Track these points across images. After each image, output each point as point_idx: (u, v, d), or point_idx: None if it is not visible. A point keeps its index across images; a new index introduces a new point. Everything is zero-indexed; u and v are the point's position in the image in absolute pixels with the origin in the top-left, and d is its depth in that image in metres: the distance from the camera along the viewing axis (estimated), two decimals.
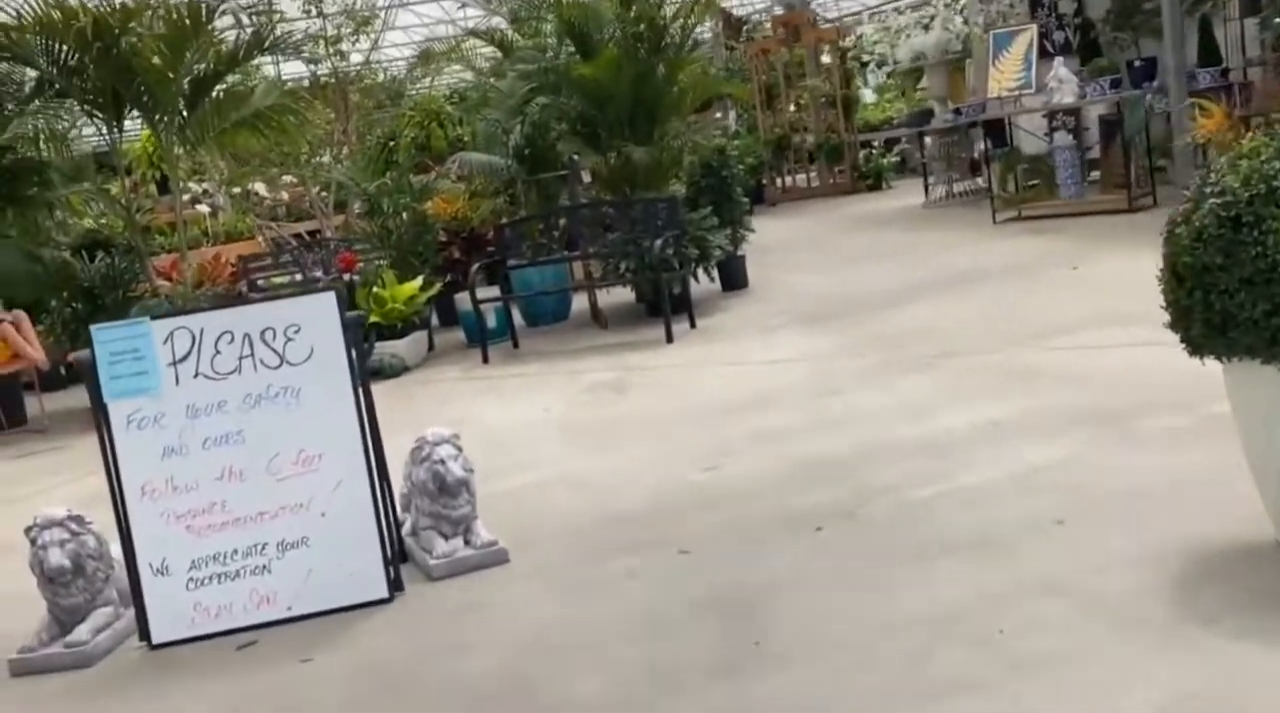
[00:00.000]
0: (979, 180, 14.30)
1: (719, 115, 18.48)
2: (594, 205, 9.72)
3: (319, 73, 13.16)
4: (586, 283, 9.65)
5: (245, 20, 9.08)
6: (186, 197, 18.64)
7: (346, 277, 9.22)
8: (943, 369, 6.67)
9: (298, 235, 13.69)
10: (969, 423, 5.49)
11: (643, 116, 10.15)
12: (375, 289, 9.22)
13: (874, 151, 18.06)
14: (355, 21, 12.88)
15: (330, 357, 4.25)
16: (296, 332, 4.24)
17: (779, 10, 20.22)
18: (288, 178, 21.87)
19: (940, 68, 13.93)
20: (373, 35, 12.96)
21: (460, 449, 4.56)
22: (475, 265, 9.15)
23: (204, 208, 16.96)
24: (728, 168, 10.31)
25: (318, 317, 4.25)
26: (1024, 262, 9.64)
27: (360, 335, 4.30)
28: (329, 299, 4.30)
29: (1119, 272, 8.65)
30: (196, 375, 4.20)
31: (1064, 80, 11.09)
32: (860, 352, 7.35)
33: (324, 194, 13.85)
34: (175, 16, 8.82)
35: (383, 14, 13.66)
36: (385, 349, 9.10)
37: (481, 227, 10.87)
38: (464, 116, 14.97)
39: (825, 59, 17.71)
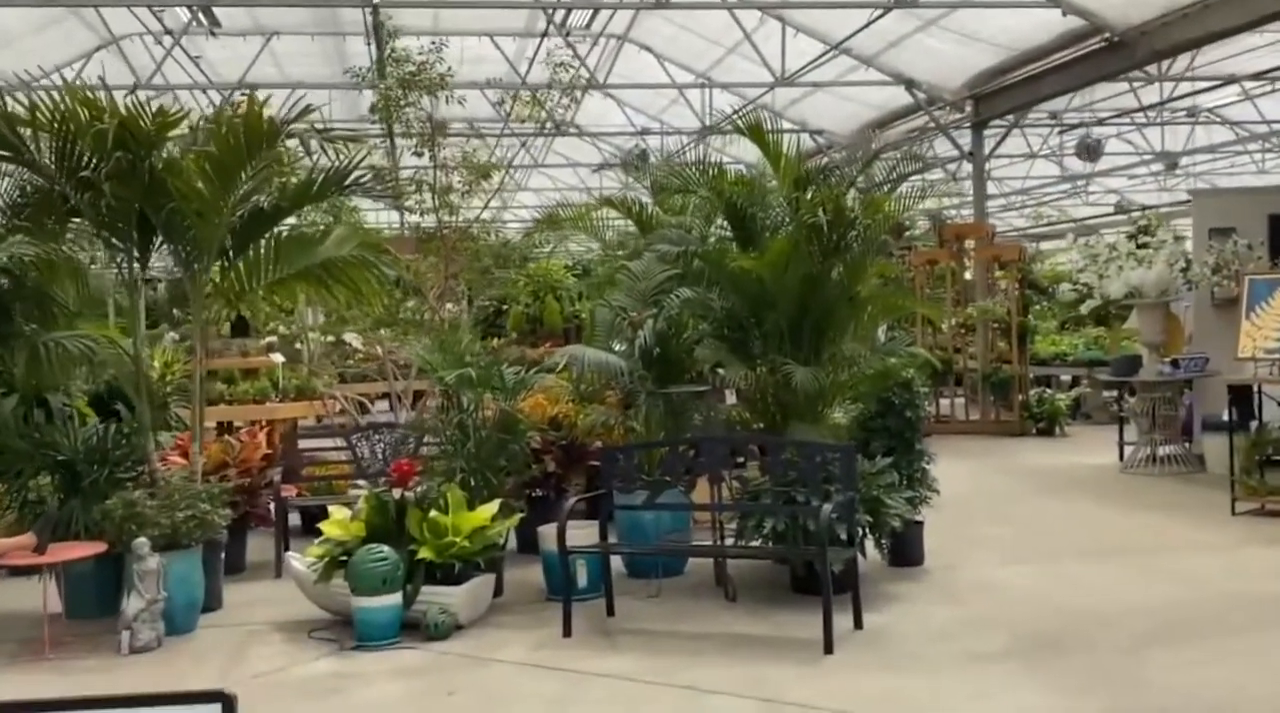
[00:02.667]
0: (1188, 446, 11.62)
1: None
2: (745, 439, 7.28)
3: (423, 224, 11.20)
4: (718, 548, 7.05)
5: (319, 148, 7.04)
6: (264, 341, 16.81)
7: (398, 492, 6.86)
8: None
9: (361, 403, 11.51)
10: None
11: (809, 329, 7.81)
12: (433, 513, 6.84)
13: (1047, 391, 15.45)
14: (474, 171, 10.93)
15: None
16: None
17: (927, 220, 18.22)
18: (384, 331, 20.08)
19: (1156, 310, 11.43)
20: (491, 189, 11.00)
21: None
22: (570, 501, 6.71)
23: (277, 357, 14.99)
24: (913, 407, 7.86)
25: None
26: None
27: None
28: None
29: None
30: None
31: None
32: None
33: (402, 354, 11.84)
34: (227, 133, 6.81)
35: (504, 170, 11.72)
36: (434, 597, 6.65)
37: (588, 436, 8.51)
38: (584, 291, 12.87)
39: (1000, 279, 15.38)
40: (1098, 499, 10.26)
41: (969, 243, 15.97)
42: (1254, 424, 9.25)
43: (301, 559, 7.09)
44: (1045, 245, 32.86)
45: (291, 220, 9.15)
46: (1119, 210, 30.89)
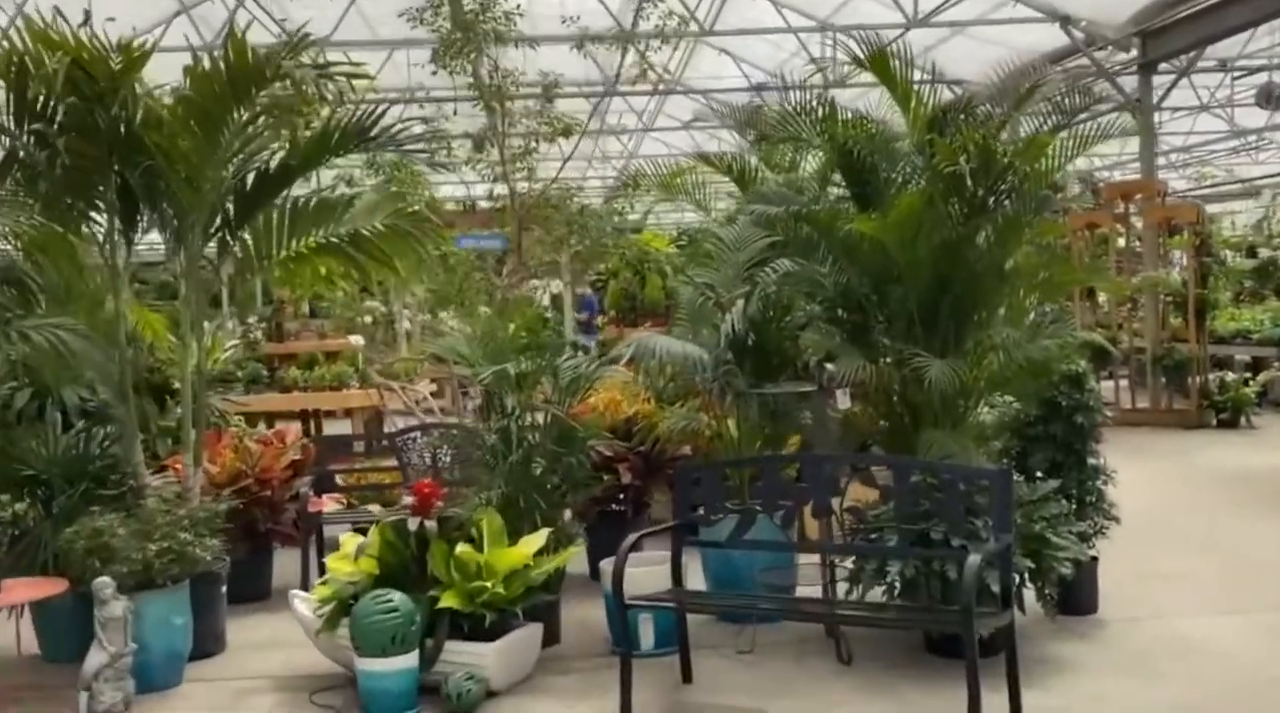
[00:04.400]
0: None
1: None
2: (860, 457, 5.57)
3: (497, 191, 9.79)
4: (827, 607, 5.29)
5: (317, 88, 5.59)
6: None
7: (417, 522, 5.43)
8: None
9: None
10: None
11: (947, 309, 6.12)
12: (462, 548, 5.39)
13: (1229, 375, 13.30)
14: (553, 127, 9.45)
15: None
16: None
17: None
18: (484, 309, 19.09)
19: None
20: (569, 150, 9.52)
21: None
22: (630, 538, 5.16)
23: (356, 339, 13.85)
24: (1085, 410, 6.10)
25: None
26: None
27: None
28: None
29: None
30: None
31: None
32: None
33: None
34: (207, 75, 5.43)
35: (584, 127, 10.17)
36: (461, 657, 5.24)
37: (670, 442, 6.96)
38: (681, 265, 11.32)
39: (1173, 246, 13.26)
40: None
41: (1134, 204, 13.83)
42: None
43: (308, 599, 5.75)
44: (1211, 208, 29.84)
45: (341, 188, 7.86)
46: None
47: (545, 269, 13.93)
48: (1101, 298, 15.19)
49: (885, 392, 6.34)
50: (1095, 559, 6.09)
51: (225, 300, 11.68)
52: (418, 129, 6.64)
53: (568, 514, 6.53)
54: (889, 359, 6.22)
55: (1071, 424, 6.08)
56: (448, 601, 5.25)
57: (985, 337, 6.12)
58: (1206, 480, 9.78)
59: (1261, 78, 18.47)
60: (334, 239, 6.59)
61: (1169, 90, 16.00)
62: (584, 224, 9.77)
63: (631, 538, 5.14)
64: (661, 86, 15.39)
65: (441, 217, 10.64)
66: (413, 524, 5.37)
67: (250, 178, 6.18)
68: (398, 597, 5.16)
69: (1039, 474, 6.11)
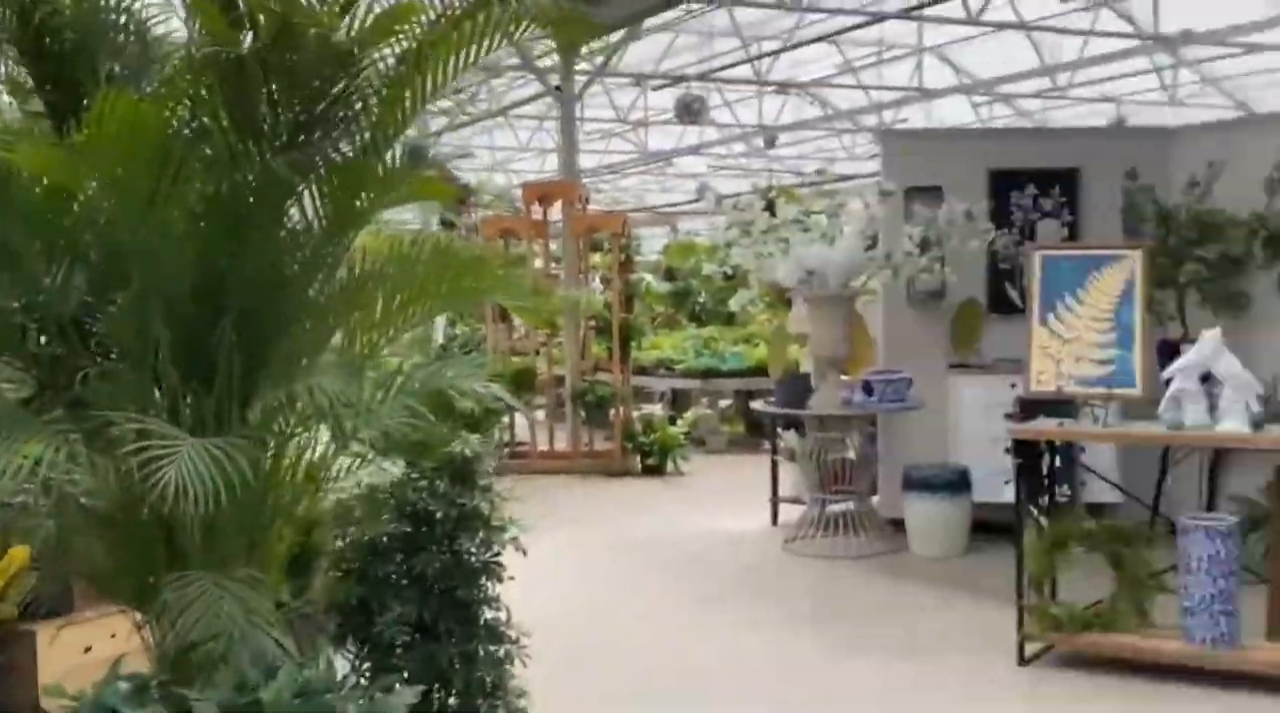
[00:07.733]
0: (872, 501, 7.87)
1: None
2: None
3: None
4: None
5: None
6: None
7: None
8: None
9: None
10: None
11: (232, 335, 3.11)
12: None
13: (657, 412, 11.64)
14: None
15: None
16: None
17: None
18: None
19: (837, 306, 7.63)
20: None
21: None
22: None
23: None
24: (477, 525, 3.34)
25: None
26: None
27: None
28: None
29: None
30: None
31: (1227, 376, 4.92)
32: None
33: None
34: None
35: None
36: None
37: None
38: None
39: (603, 268, 11.35)
40: (788, 620, 6.23)
41: (555, 209, 11.73)
42: (1047, 501, 5.52)
43: None
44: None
45: None
46: (701, 196, 28.16)
47: None
48: (518, 320, 13.13)
49: (122, 502, 3.18)
50: None
51: None
52: None
53: None
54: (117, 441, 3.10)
55: (454, 554, 3.30)
56: None
57: (297, 388, 3.17)
58: (640, 558, 7.56)
59: (682, 88, 17.59)
60: None
61: (586, 86, 14.25)
62: None
63: None
64: None
65: None
66: None
67: None
68: None
69: (397, 646, 3.29)
